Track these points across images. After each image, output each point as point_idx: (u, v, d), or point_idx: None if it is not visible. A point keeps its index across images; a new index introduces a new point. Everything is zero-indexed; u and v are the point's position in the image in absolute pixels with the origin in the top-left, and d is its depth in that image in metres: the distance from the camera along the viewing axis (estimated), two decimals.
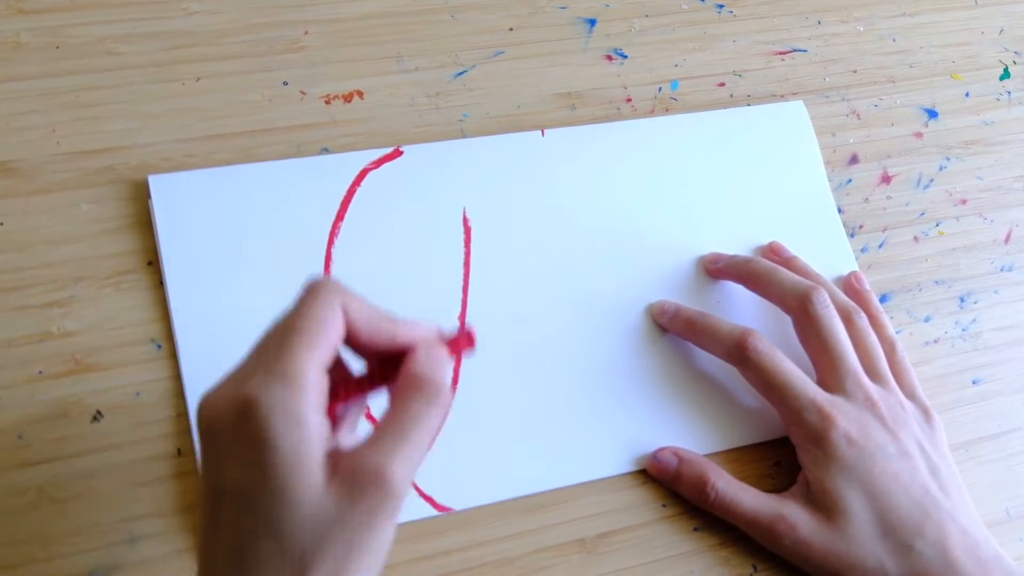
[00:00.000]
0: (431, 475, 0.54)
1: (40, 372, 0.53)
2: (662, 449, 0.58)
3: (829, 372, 0.59)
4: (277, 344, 0.41)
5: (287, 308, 0.42)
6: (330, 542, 0.39)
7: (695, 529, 0.58)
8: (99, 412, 0.53)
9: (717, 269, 0.63)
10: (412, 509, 0.54)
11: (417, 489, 0.55)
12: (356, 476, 0.40)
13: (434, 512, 0.55)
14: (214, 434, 0.40)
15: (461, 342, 0.45)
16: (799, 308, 0.59)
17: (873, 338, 0.61)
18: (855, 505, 0.56)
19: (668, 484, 0.58)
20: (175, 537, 0.52)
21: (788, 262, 0.63)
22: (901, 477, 0.56)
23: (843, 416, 0.57)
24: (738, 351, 0.58)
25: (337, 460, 0.40)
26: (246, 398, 0.39)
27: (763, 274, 0.61)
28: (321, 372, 0.41)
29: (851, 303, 0.61)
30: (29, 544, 0.50)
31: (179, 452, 0.53)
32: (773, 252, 0.64)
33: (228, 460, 0.40)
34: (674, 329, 0.61)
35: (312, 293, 0.42)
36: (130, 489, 0.52)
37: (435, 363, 0.43)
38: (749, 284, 0.62)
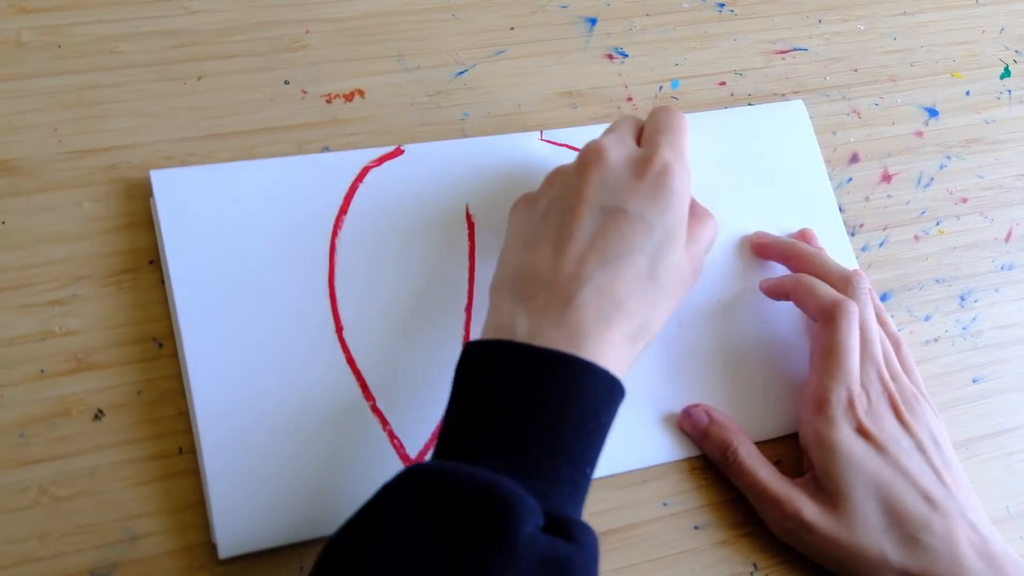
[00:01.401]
0: None
1: (42, 370, 0.53)
2: (696, 405, 0.59)
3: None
4: (667, 133, 0.57)
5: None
6: (678, 288, 0.54)
7: (696, 527, 0.58)
8: (100, 411, 0.53)
9: (762, 244, 0.64)
10: None
11: None
12: (693, 254, 0.56)
13: None
14: (613, 169, 0.54)
15: None
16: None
17: (880, 334, 0.61)
18: (861, 494, 0.56)
19: (695, 440, 0.59)
20: (176, 535, 0.52)
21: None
22: (910, 470, 0.56)
23: (860, 405, 0.57)
24: (835, 307, 0.58)
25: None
26: (665, 161, 0.55)
27: (807, 257, 0.62)
28: None
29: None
30: (30, 542, 0.50)
31: (180, 451, 0.53)
32: (804, 238, 0.65)
33: (629, 191, 0.54)
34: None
35: (657, 112, 0.59)
36: (131, 488, 0.52)
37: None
38: (792, 264, 0.63)
